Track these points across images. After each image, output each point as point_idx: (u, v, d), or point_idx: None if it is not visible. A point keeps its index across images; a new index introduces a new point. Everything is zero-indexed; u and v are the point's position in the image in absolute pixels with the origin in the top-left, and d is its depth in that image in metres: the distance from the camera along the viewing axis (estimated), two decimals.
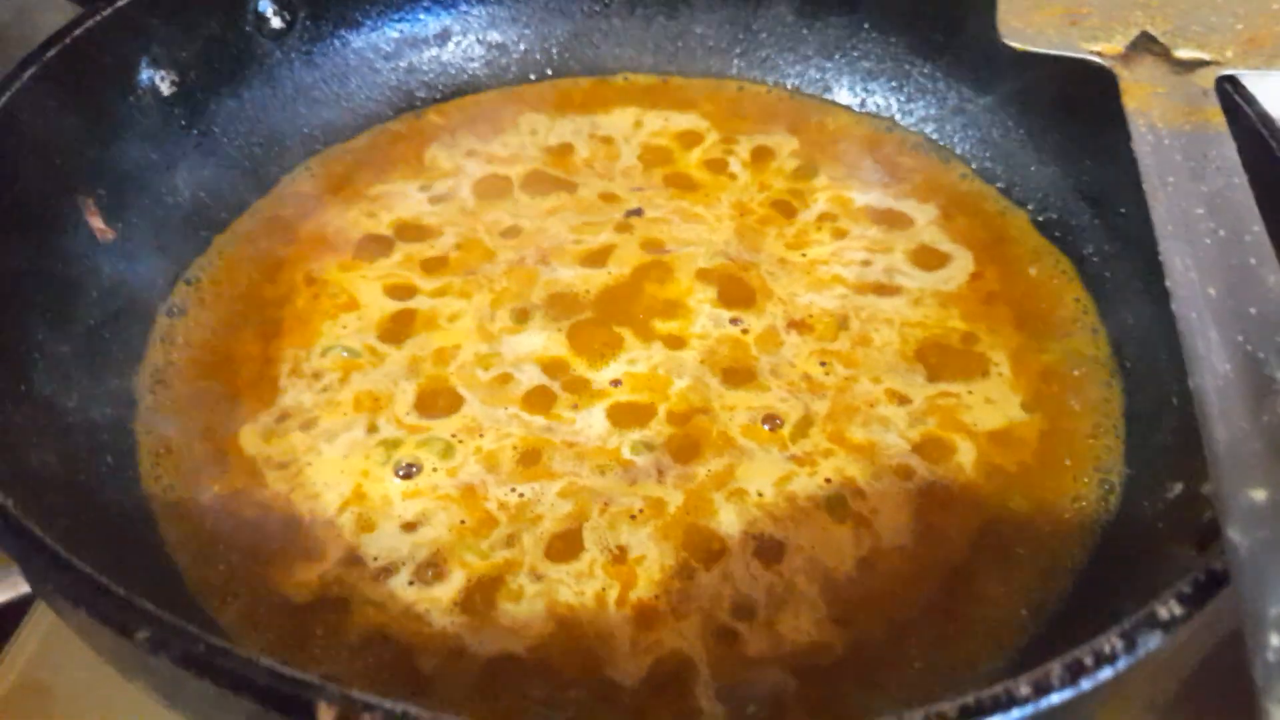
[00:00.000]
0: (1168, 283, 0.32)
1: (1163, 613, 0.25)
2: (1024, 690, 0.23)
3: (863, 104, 0.59)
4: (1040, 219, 0.52)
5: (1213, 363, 0.30)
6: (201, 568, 0.39)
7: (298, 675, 0.24)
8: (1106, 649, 0.24)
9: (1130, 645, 0.25)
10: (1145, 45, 0.44)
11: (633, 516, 0.40)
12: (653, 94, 0.61)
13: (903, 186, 0.55)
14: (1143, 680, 0.43)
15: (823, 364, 0.46)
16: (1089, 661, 0.24)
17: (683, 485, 0.41)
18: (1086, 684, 0.24)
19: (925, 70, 0.58)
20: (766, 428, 0.43)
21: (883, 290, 0.49)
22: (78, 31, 0.46)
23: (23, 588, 0.49)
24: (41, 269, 0.43)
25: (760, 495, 0.41)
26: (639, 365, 0.46)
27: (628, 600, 0.38)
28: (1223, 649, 0.43)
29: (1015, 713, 0.23)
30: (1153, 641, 0.25)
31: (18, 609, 0.47)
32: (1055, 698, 0.24)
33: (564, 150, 0.57)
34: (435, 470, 0.42)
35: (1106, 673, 0.24)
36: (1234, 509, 0.27)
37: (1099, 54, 0.43)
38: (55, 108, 0.45)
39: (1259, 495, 0.27)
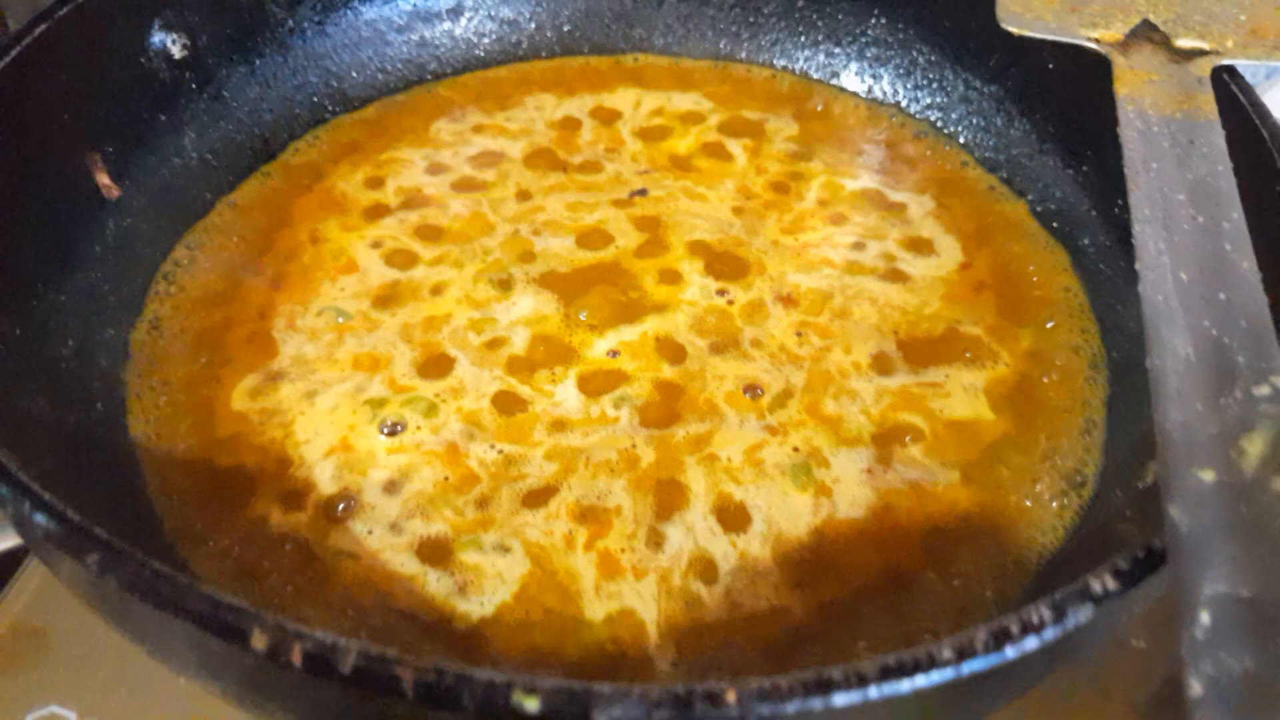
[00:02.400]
0: (1137, 265, 0.32)
1: (1095, 586, 0.25)
2: (945, 653, 0.23)
3: (869, 90, 0.59)
4: (1039, 209, 0.52)
5: (1174, 345, 0.30)
6: (183, 514, 0.40)
7: (235, 603, 0.24)
8: (1035, 618, 0.24)
9: (1059, 616, 0.24)
10: (1145, 33, 0.43)
11: (611, 469, 0.41)
12: (661, 75, 0.61)
13: (903, 174, 0.54)
14: (1123, 679, 0.43)
15: (798, 334, 0.46)
16: (1015, 630, 0.24)
17: (658, 445, 0.42)
18: (1011, 652, 0.24)
19: (933, 58, 0.57)
20: (748, 396, 0.44)
21: (872, 274, 0.49)
22: None
23: (16, 537, 0.50)
24: (45, 221, 0.44)
25: (729, 460, 0.41)
26: (631, 335, 0.46)
27: (594, 547, 0.39)
28: None
29: (935, 675, 0.23)
30: (1083, 614, 0.25)
31: (13, 558, 0.49)
32: (979, 663, 0.24)
33: (570, 128, 0.58)
34: (419, 429, 0.43)
35: (1032, 642, 0.24)
36: (1179, 489, 0.26)
37: (1096, 40, 0.43)
38: (66, 65, 0.46)
39: (1207, 476, 0.27)
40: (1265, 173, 0.37)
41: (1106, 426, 0.42)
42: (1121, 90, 0.39)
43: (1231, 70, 0.41)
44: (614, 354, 0.45)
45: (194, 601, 0.24)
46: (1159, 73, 0.40)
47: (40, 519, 0.27)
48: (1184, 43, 0.42)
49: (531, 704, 0.22)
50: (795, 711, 0.23)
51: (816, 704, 0.23)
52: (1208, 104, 0.38)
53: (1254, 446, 0.27)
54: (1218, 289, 0.31)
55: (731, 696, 0.23)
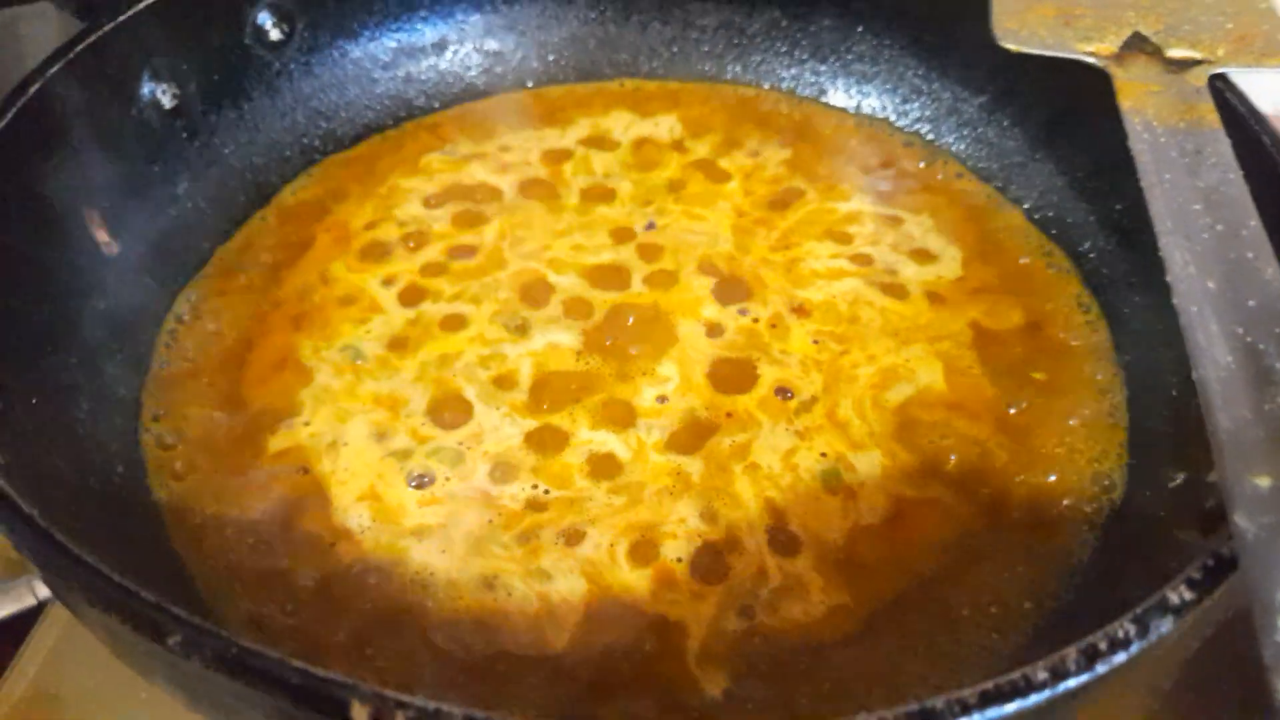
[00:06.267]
0: (1168, 277, 0.33)
1: (1173, 598, 0.26)
2: (1041, 675, 0.24)
3: (858, 106, 0.60)
4: (1036, 216, 0.53)
5: (1214, 354, 0.31)
6: (210, 571, 0.40)
7: (331, 675, 0.24)
8: (1120, 634, 0.25)
9: (1143, 630, 0.25)
10: (1138, 45, 0.44)
11: (670, 492, 0.42)
12: (649, 99, 0.61)
13: (896, 187, 0.55)
14: (1148, 665, 0.44)
15: (815, 341, 0.47)
16: (1103, 646, 0.25)
17: (707, 460, 0.43)
18: (1102, 668, 0.25)
19: (920, 72, 0.58)
20: (780, 398, 0.45)
21: (877, 287, 0.50)
22: (80, 47, 0.46)
23: (29, 600, 0.49)
24: (47, 281, 0.43)
25: (770, 468, 0.42)
26: (664, 359, 0.46)
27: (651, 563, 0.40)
28: (1222, 633, 0.44)
29: (1034, 698, 0.24)
30: (1164, 626, 0.25)
31: (26, 619, 0.48)
32: (1072, 682, 0.24)
33: (562, 156, 0.58)
34: (449, 479, 0.42)
35: (1120, 657, 0.25)
36: (1239, 496, 0.27)
37: (1093, 54, 0.44)
38: (59, 122, 0.45)
39: (1263, 482, 0.28)
40: (1269, 179, 0.39)
41: (1129, 428, 0.43)
42: (1125, 103, 0.40)
43: (1225, 78, 0.42)
44: (663, 393, 0.45)
45: (288, 675, 0.24)
46: (1157, 83, 0.42)
47: (114, 604, 0.26)
48: (1176, 53, 0.43)
49: None
50: None
51: None
52: (1209, 113, 0.39)
53: None
54: (1246, 296, 0.32)
55: None
